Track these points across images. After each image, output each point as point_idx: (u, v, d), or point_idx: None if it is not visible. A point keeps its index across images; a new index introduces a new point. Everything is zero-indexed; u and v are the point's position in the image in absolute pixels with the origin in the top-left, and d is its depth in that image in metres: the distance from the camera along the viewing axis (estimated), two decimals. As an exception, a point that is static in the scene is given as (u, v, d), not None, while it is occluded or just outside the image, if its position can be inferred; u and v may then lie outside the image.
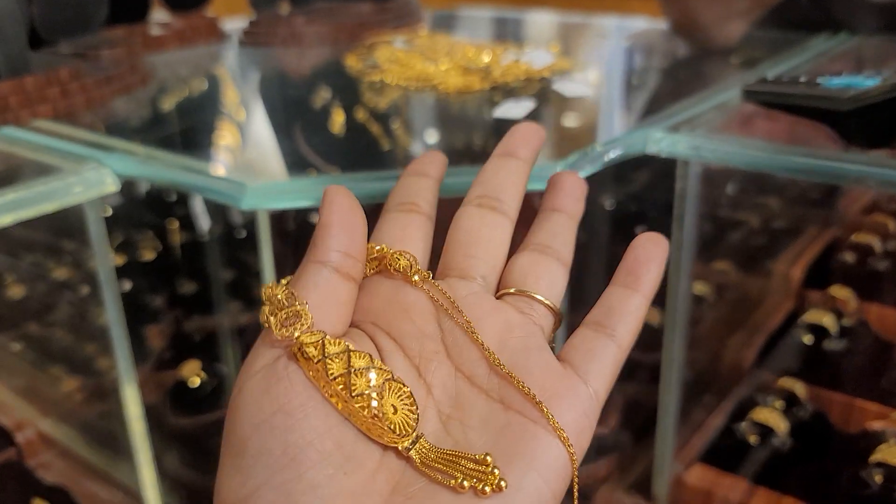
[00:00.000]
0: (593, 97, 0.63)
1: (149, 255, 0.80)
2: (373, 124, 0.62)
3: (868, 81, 0.45)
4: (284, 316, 0.27)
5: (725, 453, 0.59)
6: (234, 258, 0.77)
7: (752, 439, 0.59)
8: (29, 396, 0.71)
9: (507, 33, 0.98)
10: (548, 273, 0.32)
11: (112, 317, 0.54)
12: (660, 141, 0.50)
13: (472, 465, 0.25)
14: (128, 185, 0.82)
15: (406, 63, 0.67)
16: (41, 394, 0.71)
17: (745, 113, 0.57)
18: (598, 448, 0.62)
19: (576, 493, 0.28)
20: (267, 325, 0.28)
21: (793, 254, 0.76)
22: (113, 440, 0.60)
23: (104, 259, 0.52)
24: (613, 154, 0.48)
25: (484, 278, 0.32)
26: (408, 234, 0.33)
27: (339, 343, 0.26)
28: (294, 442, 0.24)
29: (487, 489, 0.24)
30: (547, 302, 0.31)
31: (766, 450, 0.58)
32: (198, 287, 0.79)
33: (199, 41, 0.81)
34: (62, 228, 0.60)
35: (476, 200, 0.34)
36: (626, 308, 0.31)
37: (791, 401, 0.61)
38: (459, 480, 0.24)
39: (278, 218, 0.48)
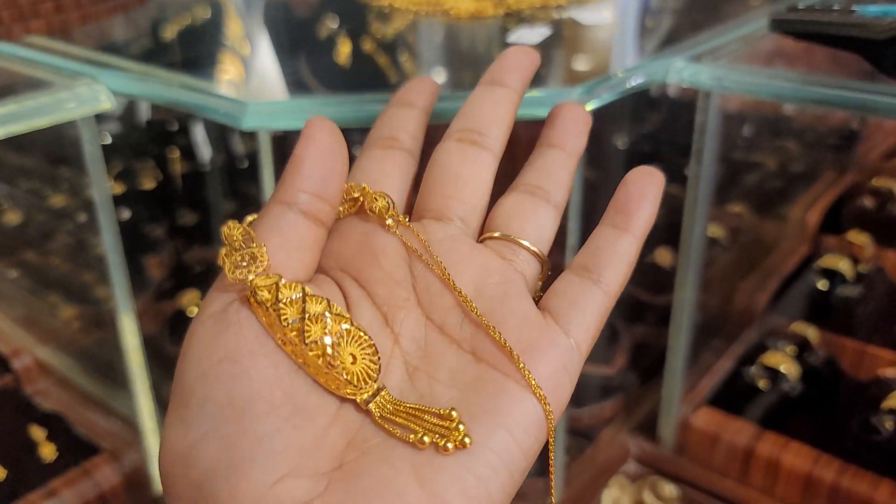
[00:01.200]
0: (613, 25, 0.60)
1: (149, 185, 0.78)
2: (379, 53, 0.59)
3: (907, 9, 0.43)
4: (239, 258, 0.25)
5: (734, 397, 0.58)
6: (235, 189, 0.75)
7: (762, 384, 0.57)
8: (26, 324, 0.69)
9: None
10: (535, 216, 0.29)
11: (109, 244, 0.52)
12: (681, 70, 0.48)
13: (435, 421, 0.23)
14: (128, 113, 0.79)
15: (416, -12, 0.64)
16: (38, 321, 0.70)
17: (770, 48, 0.55)
18: (603, 389, 0.61)
19: (551, 453, 0.26)
20: (222, 266, 0.25)
21: (809, 198, 0.74)
22: (111, 369, 0.60)
23: (100, 184, 0.50)
24: (634, 82, 0.45)
25: (463, 220, 0.29)
26: (385, 172, 0.30)
27: (295, 287, 0.24)
28: (241, 392, 0.23)
29: (450, 446, 0.22)
30: (532, 248, 0.29)
31: (776, 394, 0.57)
32: (198, 218, 0.77)
33: (200, -37, 0.78)
34: (58, 153, 0.58)
35: (457, 135, 0.31)
36: (615, 250, 0.28)
37: (803, 346, 0.60)
38: (420, 436, 0.22)
39: (280, 142, 0.46)
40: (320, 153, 0.27)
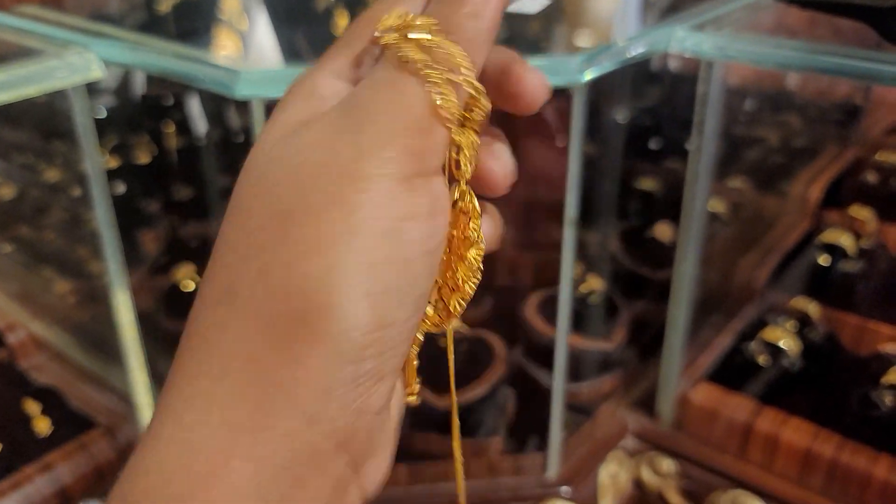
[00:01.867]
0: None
1: (144, 159, 0.77)
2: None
3: (914, -24, 0.42)
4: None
5: (733, 373, 0.58)
6: (230, 163, 0.74)
7: (762, 359, 0.57)
8: (20, 298, 0.69)
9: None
10: None
11: (103, 219, 0.51)
12: (683, 39, 0.47)
13: None
14: (123, 87, 0.78)
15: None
16: (33, 296, 0.69)
17: (773, 18, 0.54)
18: (602, 364, 0.60)
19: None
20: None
21: (812, 173, 0.73)
22: (105, 344, 0.59)
23: (93, 157, 0.49)
24: (635, 51, 0.44)
25: None
26: None
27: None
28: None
29: None
30: None
31: (776, 370, 0.57)
32: (193, 192, 0.76)
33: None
34: (51, 126, 0.58)
35: None
36: None
37: (803, 321, 0.59)
38: None
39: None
40: None
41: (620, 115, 0.76)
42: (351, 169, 0.20)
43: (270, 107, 0.45)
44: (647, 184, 0.71)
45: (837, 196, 0.70)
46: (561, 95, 0.46)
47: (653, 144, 0.74)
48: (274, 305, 0.19)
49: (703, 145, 0.50)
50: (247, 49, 0.66)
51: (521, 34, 0.66)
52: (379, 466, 0.22)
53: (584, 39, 0.53)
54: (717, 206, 0.66)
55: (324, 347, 0.19)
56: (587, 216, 0.66)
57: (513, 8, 0.53)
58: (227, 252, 0.21)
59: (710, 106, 0.49)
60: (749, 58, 0.46)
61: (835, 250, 0.63)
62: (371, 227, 0.20)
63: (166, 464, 0.19)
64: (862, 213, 0.65)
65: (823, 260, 0.64)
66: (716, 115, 0.50)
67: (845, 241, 0.62)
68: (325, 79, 0.23)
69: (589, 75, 0.42)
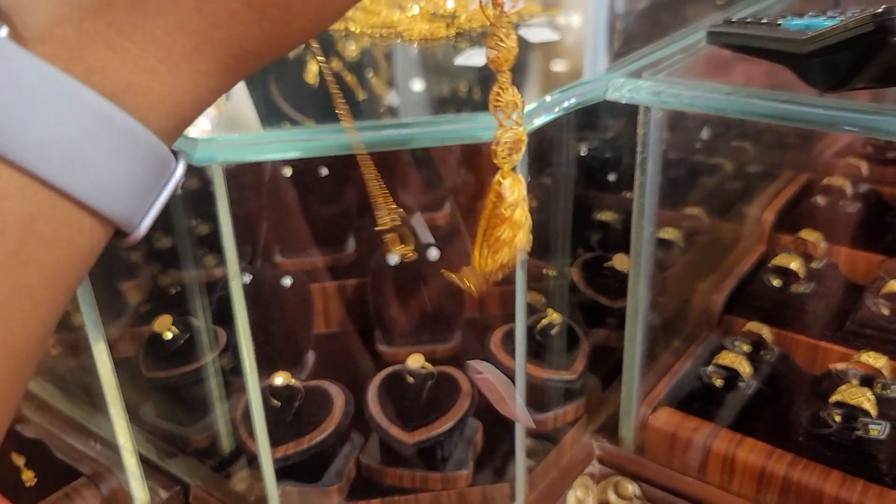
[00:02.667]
0: (560, 41, 0.62)
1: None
2: (346, 72, 0.61)
3: (828, 22, 0.45)
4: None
5: (691, 397, 0.60)
6: (206, 211, 0.77)
7: (718, 383, 0.59)
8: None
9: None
10: None
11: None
12: (621, 87, 0.50)
13: None
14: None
15: (372, 10, 0.66)
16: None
17: (712, 58, 0.57)
18: (566, 393, 0.63)
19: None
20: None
21: (766, 197, 0.76)
22: (89, 393, 0.61)
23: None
24: (568, 103, 0.47)
25: None
26: None
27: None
28: None
29: None
30: None
31: (732, 393, 0.59)
32: (172, 241, 0.79)
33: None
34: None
35: None
36: None
37: (758, 344, 0.62)
38: None
39: (233, 174, 0.47)
40: None
41: (581, 148, 0.79)
42: None
43: (230, 171, 0.47)
44: (606, 215, 0.73)
45: (789, 219, 0.73)
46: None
47: (611, 176, 0.77)
48: None
49: (647, 183, 0.53)
50: (223, 111, 0.68)
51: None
52: None
53: (523, 92, 0.56)
54: (673, 234, 0.68)
55: None
56: (547, 248, 0.69)
57: (461, 61, 0.57)
58: None
59: (650, 146, 0.52)
60: (684, 103, 0.49)
61: (787, 273, 0.66)
62: None
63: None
64: (812, 236, 0.68)
65: (776, 283, 0.66)
66: (657, 154, 0.52)
67: (795, 264, 0.65)
68: None
69: (531, 126, 0.45)
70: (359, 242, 0.76)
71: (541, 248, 0.69)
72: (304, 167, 0.72)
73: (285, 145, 0.42)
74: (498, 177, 0.30)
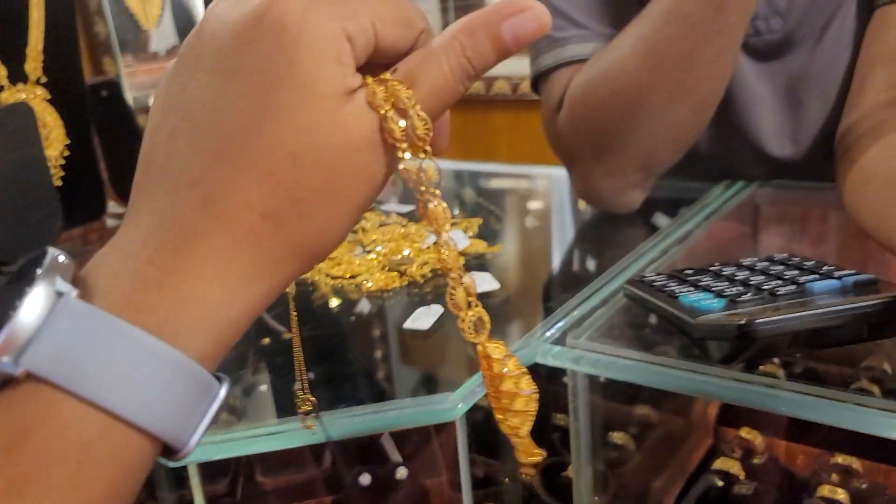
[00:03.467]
0: (501, 291, 0.69)
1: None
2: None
3: (715, 303, 0.52)
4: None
5: None
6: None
7: None
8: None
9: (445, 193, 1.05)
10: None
11: None
12: (546, 353, 0.57)
13: None
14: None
15: (334, 256, 0.74)
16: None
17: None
18: None
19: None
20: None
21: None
22: None
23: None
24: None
25: None
26: None
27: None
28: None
29: None
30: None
31: None
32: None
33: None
34: None
35: None
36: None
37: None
38: None
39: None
40: None
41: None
42: None
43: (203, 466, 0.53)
44: (565, 419, 0.79)
45: (732, 414, 0.79)
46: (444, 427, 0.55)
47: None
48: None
49: (580, 428, 0.59)
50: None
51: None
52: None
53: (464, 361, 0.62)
54: (622, 438, 0.74)
55: None
56: (511, 451, 0.74)
57: (408, 325, 0.65)
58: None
59: (579, 398, 0.58)
60: (603, 372, 0.55)
61: (728, 475, 0.71)
62: None
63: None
64: (750, 434, 0.73)
65: (720, 484, 0.72)
66: (585, 403, 0.59)
67: (733, 467, 0.71)
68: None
69: (462, 410, 0.51)
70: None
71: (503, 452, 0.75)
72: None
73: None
74: (479, 350, 0.31)
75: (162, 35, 1.93)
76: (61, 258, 0.26)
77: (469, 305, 0.31)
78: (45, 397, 0.24)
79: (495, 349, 0.31)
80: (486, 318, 0.31)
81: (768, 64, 0.81)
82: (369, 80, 0.29)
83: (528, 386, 0.31)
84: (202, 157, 0.27)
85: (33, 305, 0.24)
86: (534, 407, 0.31)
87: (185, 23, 1.93)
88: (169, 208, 0.27)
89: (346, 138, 0.28)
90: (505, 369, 0.30)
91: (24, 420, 0.24)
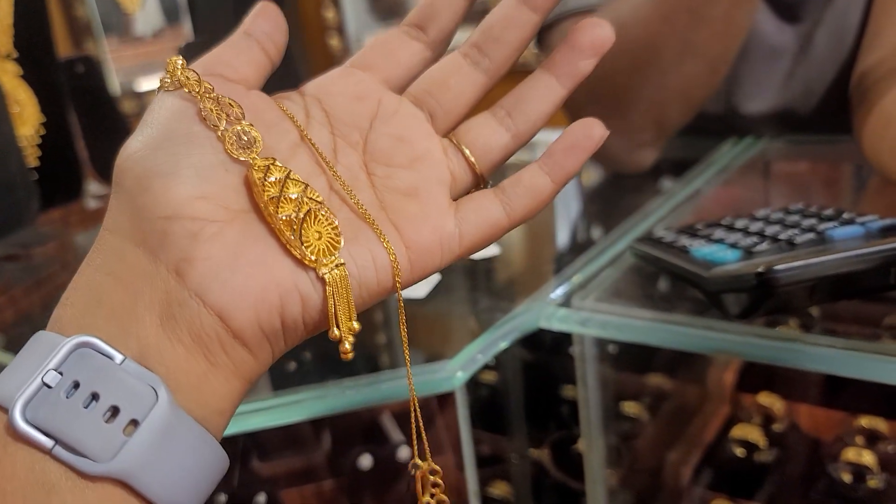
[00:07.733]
0: (504, 255, 0.66)
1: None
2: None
3: (730, 254, 0.48)
4: (236, 137, 0.29)
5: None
6: None
7: (688, 569, 0.60)
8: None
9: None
10: (489, 136, 0.33)
11: None
12: (550, 317, 0.53)
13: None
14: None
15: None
16: None
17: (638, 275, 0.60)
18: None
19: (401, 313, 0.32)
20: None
21: (726, 358, 0.78)
22: None
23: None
24: (504, 343, 0.50)
25: (432, 115, 0.34)
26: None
27: (282, 169, 0.29)
28: (199, 132, 0.29)
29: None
30: (470, 157, 0.33)
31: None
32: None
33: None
34: None
35: (465, 49, 0.34)
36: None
37: (725, 521, 0.63)
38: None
39: None
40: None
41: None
42: None
43: None
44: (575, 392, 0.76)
45: (750, 379, 0.75)
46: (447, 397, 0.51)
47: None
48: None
49: (589, 396, 0.56)
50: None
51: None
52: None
53: (462, 330, 0.58)
54: (635, 408, 0.70)
55: None
56: (519, 427, 0.71)
57: (407, 293, 0.60)
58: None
59: (588, 364, 0.55)
60: (613, 334, 0.51)
61: (748, 443, 0.68)
62: None
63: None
64: (769, 399, 0.70)
65: (740, 453, 0.68)
66: (594, 370, 0.55)
67: (754, 434, 0.67)
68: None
69: (461, 378, 0.48)
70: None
71: (514, 426, 0.71)
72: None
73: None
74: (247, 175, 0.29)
75: (147, 17, 1.90)
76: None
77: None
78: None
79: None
80: (258, 134, 0.30)
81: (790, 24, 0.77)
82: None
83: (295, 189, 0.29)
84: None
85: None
86: (310, 206, 0.30)
87: (170, 4, 1.90)
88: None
89: None
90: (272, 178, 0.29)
91: None
